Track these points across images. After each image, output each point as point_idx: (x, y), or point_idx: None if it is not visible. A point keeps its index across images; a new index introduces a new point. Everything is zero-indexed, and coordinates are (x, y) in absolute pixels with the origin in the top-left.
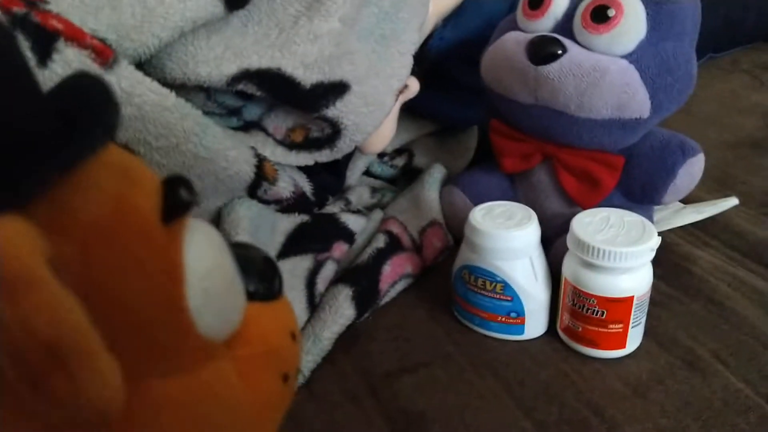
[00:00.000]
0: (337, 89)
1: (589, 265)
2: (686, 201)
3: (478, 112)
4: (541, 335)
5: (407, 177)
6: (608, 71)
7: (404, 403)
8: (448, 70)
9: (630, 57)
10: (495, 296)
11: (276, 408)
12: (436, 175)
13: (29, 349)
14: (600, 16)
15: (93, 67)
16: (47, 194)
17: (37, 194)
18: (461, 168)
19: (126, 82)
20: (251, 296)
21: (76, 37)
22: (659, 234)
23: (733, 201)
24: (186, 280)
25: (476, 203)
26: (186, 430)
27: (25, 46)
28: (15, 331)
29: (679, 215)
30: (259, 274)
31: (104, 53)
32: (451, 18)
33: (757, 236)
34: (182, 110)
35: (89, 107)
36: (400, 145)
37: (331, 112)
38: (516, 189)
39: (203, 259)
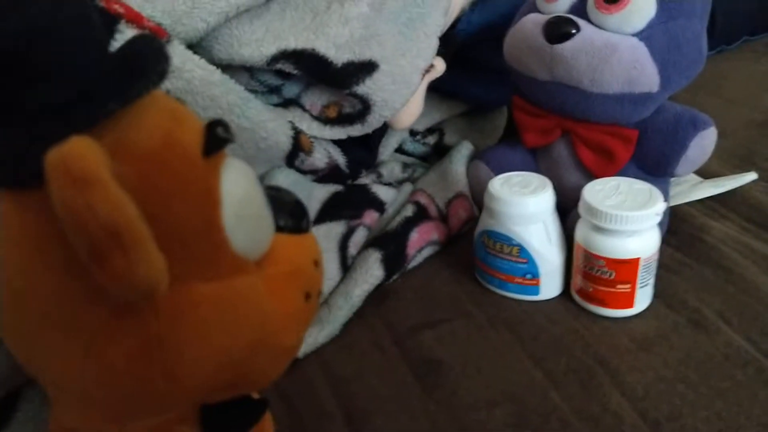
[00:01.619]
0: (367, 68)
1: (598, 229)
2: (706, 176)
3: (506, 92)
4: (556, 296)
5: (438, 155)
6: (618, 48)
7: (426, 352)
8: (477, 53)
9: (640, 35)
10: (512, 259)
11: (299, 321)
12: (463, 151)
13: (95, 231)
14: None
15: None
16: (110, 125)
17: (100, 120)
18: (489, 146)
19: (178, 59)
20: (281, 229)
21: (135, 19)
22: (676, 206)
23: (751, 176)
24: (222, 203)
25: None
26: (220, 327)
27: None
28: (84, 216)
29: (697, 189)
30: (289, 211)
31: (160, 33)
32: (478, 3)
33: None
34: (227, 85)
35: (143, 57)
36: (432, 124)
37: (361, 89)
38: (538, 163)
39: (237, 188)
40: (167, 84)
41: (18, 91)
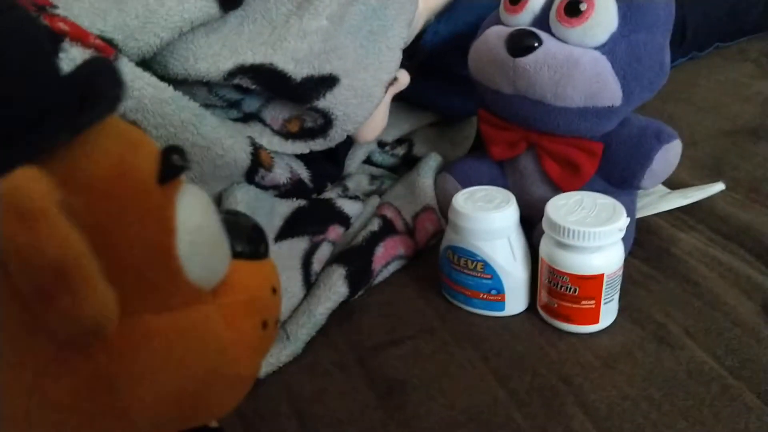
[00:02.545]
0: (327, 82)
1: (562, 245)
2: (674, 186)
3: (475, 102)
4: (522, 312)
5: (408, 166)
6: (580, 62)
7: (388, 372)
8: (445, 63)
9: (602, 48)
10: (476, 275)
11: (255, 350)
12: (431, 163)
13: (40, 269)
14: (573, 10)
15: None
16: (60, 154)
17: (49, 151)
18: (459, 157)
19: (127, 77)
20: (238, 255)
21: (80, 37)
22: (644, 218)
23: (719, 186)
24: (176, 232)
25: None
26: (173, 360)
27: None
28: (29, 253)
29: (665, 200)
30: (247, 237)
31: (106, 51)
32: (444, 13)
33: (740, 220)
34: (179, 102)
35: (97, 83)
36: (401, 135)
37: (321, 103)
38: (505, 175)
39: (192, 216)
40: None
41: None
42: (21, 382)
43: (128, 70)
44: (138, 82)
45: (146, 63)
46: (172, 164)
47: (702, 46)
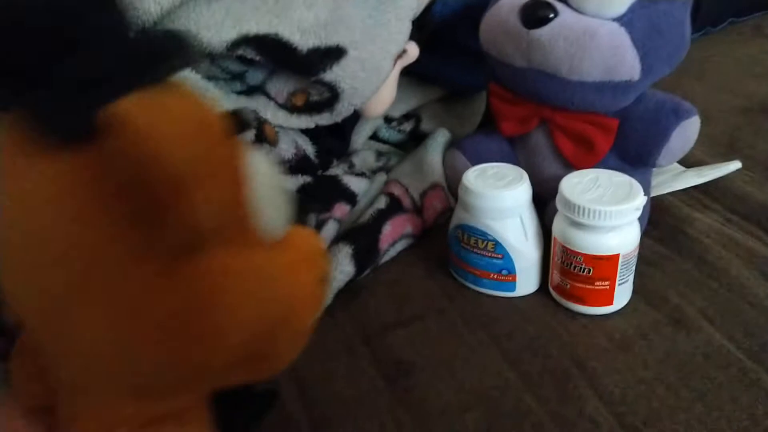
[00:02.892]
0: (334, 54)
1: (576, 224)
2: (689, 164)
3: (485, 76)
4: (533, 293)
5: (415, 142)
6: (597, 34)
7: (396, 353)
8: (454, 36)
9: (620, 20)
10: (487, 254)
11: (315, 305)
12: (439, 139)
13: (161, 181)
14: None
15: None
16: (140, 110)
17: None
18: (468, 133)
19: None
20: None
21: None
22: (658, 197)
23: (735, 164)
24: (249, 180)
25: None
26: (253, 297)
27: None
28: (150, 167)
29: (680, 178)
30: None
31: None
32: None
33: (757, 199)
34: (180, 74)
35: (165, 42)
36: (408, 111)
37: (328, 76)
38: (516, 152)
39: (262, 168)
40: None
41: (46, 65)
42: (115, 309)
43: None
44: None
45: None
46: (242, 120)
47: (716, 21)
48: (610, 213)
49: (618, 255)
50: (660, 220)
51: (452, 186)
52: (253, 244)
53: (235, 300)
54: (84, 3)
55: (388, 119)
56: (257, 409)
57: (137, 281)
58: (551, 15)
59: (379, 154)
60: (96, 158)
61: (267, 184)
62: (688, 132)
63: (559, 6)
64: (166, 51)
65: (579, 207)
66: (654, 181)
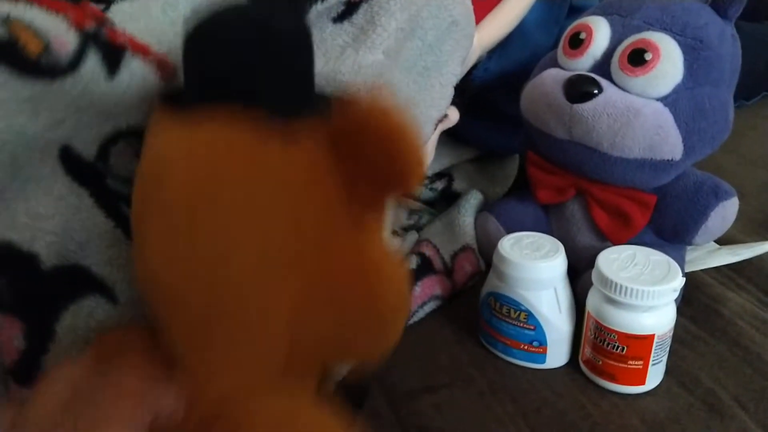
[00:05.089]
0: None
1: (612, 301)
2: (723, 242)
3: (519, 141)
4: (563, 366)
5: (446, 201)
6: (641, 113)
7: (423, 420)
8: (491, 100)
9: (665, 100)
10: (519, 324)
11: (405, 305)
12: (472, 201)
13: (403, 171)
14: (637, 59)
15: (156, 78)
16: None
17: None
18: (499, 194)
19: None
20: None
21: (140, 51)
22: (691, 273)
23: None
24: None
25: (509, 231)
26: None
27: (97, 56)
28: (397, 156)
29: (714, 256)
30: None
31: (167, 67)
32: (497, 50)
33: None
34: None
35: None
36: (441, 169)
37: None
38: (550, 220)
39: None
40: None
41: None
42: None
43: None
44: None
45: None
46: None
47: (750, 94)
48: (648, 293)
49: (653, 335)
50: (693, 298)
51: (483, 249)
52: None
53: (387, 273)
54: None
55: None
56: (355, 401)
57: (336, 243)
58: (595, 91)
59: (411, 212)
60: (328, 136)
61: None
62: (726, 213)
63: (604, 83)
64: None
65: (616, 284)
66: (687, 257)
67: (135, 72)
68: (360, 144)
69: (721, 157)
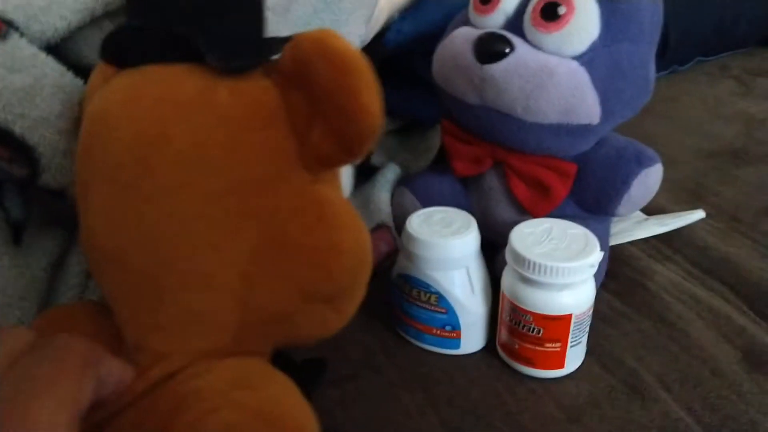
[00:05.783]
0: None
1: (526, 280)
2: (651, 212)
3: (441, 109)
4: (479, 351)
5: (364, 176)
6: (555, 73)
7: (326, 418)
8: (408, 65)
9: (581, 58)
10: (429, 308)
11: (366, 258)
12: (388, 175)
13: (357, 111)
14: (550, 13)
15: None
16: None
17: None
18: (422, 167)
19: (19, 52)
20: None
21: None
22: (617, 246)
23: (699, 214)
24: None
25: (427, 206)
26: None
27: None
28: (348, 96)
29: (641, 227)
30: None
31: None
32: (410, 10)
33: (720, 252)
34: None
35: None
36: None
37: None
38: (469, 194)
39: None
40: (13, 79)
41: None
42: (258, 222)
43: (23, 48)
44: (33, 62)
45: (52, 49)
46: None
47: (683, 59)
48: (562, 270)
49: (570, 315)
50: (619, 271)
51: (400, 226)
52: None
53: (346, 222)
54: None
55: None
56: (310, 377)
57: (281, 197)
58: (507, 50)
59: None
60: (279, 78)
61: None
62: (650, 181)
63: (516, 40)
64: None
65: (529, 261)
66: (613, 229)
67: None
68: (311, 79)
69: (652, 124)
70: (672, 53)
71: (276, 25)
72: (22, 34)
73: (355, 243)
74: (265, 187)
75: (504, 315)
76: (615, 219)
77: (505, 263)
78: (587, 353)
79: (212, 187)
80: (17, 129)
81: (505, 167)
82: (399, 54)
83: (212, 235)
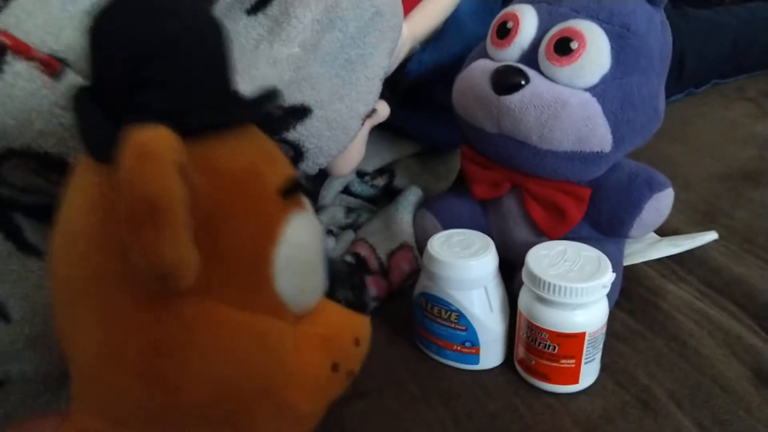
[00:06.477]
0: (298, 113)
1: (542, 299)
2: (664, 233)
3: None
4: (498, 366)
5: (388, 197)
6: (569, 104)
7: (348, 429)
8: (430, 93)
9: (593, 90)
10: (450, 325)
11: (318, 388)
12: (411, 197)
13: (138, 199)
14: (563, 48)
15: (42, 77)
16: (201, 141)
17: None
18: (443, 189)
19: (71, 92)
20: (339, 301)
21: (22, 50)
22: (631, 266)
23: (711, 235)
24: (279, 242)
25: (447, 228)
26: (233, 355)
27: None
28: (134, 182)
29: (655, 248)
30: (352, 286)
31: (51, 65)
32: (431, 41)
33: (732, 273)
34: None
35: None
36: (382, 165)
37: (291, 135)
38: (488, 216)
39: (298, 235)
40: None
41: (129, 91)
42: (101, 330)
43: (78, 83)
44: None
45: None
46: (299, 184)
47: (699, 82)
48: (576, 290)
49: (584, 333)
50: (632, 291)
51: (422, 247)
52: (265, 304)
53: (212, 352)
54: (181, 36)
55: (360, 173)
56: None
57: (123, 307)
58: (522, 82)
59: (349, 211)
60: (110, 178)
61: (299, 249)
62: (661, 205)
63: (531, 73)
64: (250, 99)
65: (545, 282)
66: (627, 250)
67: (19, 72)
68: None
69: (668, 146)
70: (688, 76)
71: (305, 62)
72: (76, 73)
73: (213, 374)
74: (104, 289)
75: (521, 332)
76: (629, 240)
77: (522, 283)
78: (601, 369)
79: (74, 258)
80: (71, 160)
81: (522, 191)
82: (420, 83)
83: (76, 310)
